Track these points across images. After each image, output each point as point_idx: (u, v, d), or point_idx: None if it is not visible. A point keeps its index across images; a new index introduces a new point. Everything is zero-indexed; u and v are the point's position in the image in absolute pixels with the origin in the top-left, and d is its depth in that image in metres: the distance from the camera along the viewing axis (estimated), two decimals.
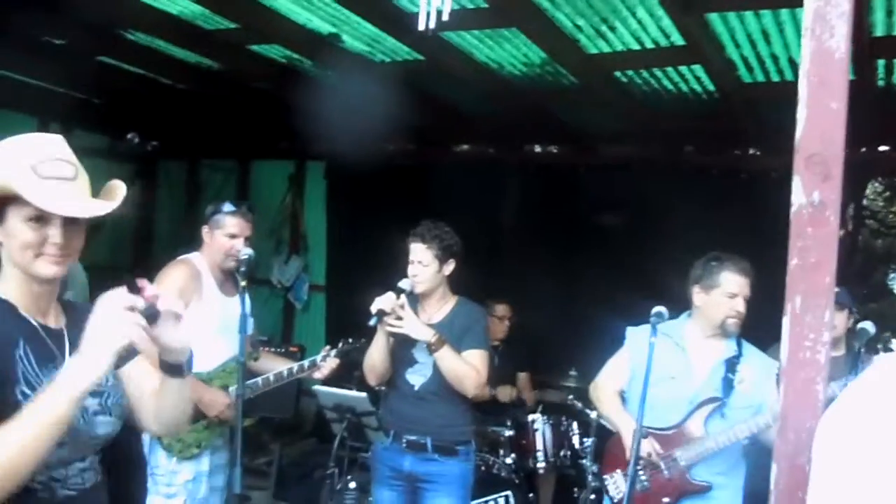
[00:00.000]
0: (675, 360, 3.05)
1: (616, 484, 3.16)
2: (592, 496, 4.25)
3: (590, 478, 4.32)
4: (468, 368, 3.29)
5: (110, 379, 1.74)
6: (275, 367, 3.48)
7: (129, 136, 6.55)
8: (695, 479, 3.01)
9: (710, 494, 3.01)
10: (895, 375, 1.32)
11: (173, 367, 1.69)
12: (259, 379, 3.39)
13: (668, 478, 3.02)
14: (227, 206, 3.47)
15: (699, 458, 2.98)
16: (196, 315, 3.26)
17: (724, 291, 3.02)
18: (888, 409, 1.27)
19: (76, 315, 1.72)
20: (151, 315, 1.55)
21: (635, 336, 3.19)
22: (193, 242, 3.58)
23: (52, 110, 5.69)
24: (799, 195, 1.34)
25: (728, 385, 3.02)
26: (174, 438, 3.28)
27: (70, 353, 1.63)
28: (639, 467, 2.85)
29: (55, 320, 1.71)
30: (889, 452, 1.22)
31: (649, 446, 2.98)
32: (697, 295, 3.10)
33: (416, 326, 3.27)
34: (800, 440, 1.33)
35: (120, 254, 6.89)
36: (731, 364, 3.05)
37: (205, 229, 3.47)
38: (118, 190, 1.68)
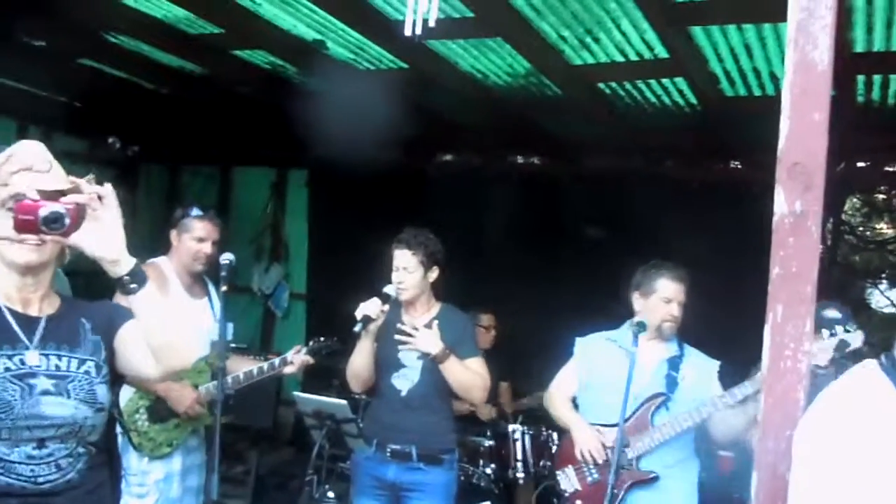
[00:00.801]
0: (622, 363, 3.14)
1: (568, 478, 3.29)
2: None
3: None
4: (474, 375, 3.31)
5: (85, 366, 1.76)
6: (245, 367, 3.48)
7: (109, 140, 6.48)
8: (641, 469, 3.14)
9: (661, 486, 3.14)
10: (866, 382, 1.33)
11: (119, 284, 1.69)
12: (229, 377, 3.36)
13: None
14: (195, 210, 3.51)
15: (647, 450, 3.13)
16: None
17: (661, 297, 3.22)
18: (859, 414, 1.28)
19: (71, 307, 1.85)
20: (53, 219, 1.53)
21: (583, 346, 3.43)
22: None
23: (32, 113, 5.62)
24: (781, 205, 1.34)
25: (672, 382, 3.21)
26: (145, 438, 3.28)
27: (41, 340, 1.74)
28: (589, 463, 3.17)
29: (38, 310, 1.79)
30: (860, 456, 1.23)
31: (597, 442, 3.17)
32: (637, 301, 3.30)
33: (428, 340, 3.24)
34: (779, 449, 1.33)
35: None
36: (674, 363, 3.25)
37: (173, 233, 3.49)
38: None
